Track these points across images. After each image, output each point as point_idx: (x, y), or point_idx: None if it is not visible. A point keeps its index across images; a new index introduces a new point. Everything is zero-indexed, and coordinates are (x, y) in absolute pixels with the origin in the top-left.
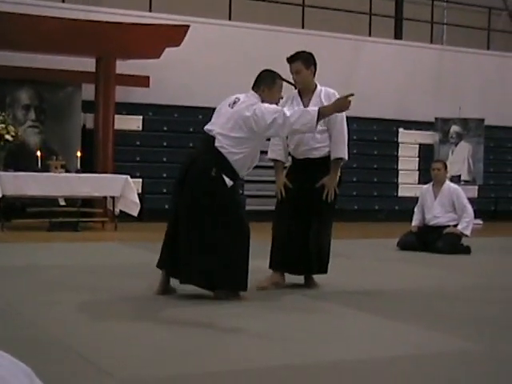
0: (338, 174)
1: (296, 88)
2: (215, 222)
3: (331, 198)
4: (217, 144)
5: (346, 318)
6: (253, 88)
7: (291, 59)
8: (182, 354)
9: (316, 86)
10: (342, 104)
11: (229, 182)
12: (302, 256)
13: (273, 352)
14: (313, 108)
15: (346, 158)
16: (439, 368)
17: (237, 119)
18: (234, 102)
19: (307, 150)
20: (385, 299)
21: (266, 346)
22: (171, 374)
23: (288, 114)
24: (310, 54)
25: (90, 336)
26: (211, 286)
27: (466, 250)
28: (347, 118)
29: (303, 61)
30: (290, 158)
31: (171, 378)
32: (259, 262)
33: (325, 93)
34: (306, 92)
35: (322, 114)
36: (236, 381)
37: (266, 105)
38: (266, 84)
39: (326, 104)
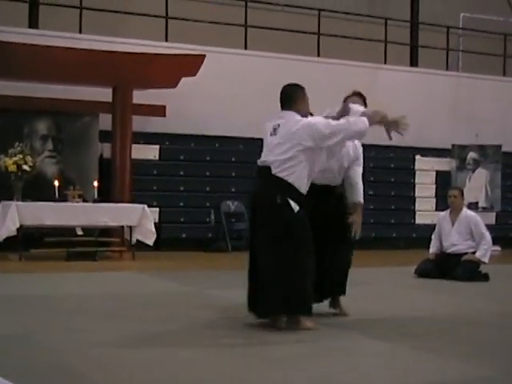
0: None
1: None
2: (287, 248)
3: (356, 235)
4: (274, 171)
5: (360, 347)
6: (285, 107)
7: (358, 94)
8: None
9: None
10: (392, 124)
11: (295, 206)
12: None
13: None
14: (362, 118)
15: (362, 202)
16: None
17: (286, 140)
18: (275, 129)
19: (331, 178)
20: (401, 327)
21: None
22: None
23: (342, 122)
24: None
25: (109, 364)
26: (286, 311)
27: (485, 277)
28: (363, 145)
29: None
30: None
31: None
32: None
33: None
34: None
35: (370, 122)
36: None
37: (317, 118)
38: (299, 97)
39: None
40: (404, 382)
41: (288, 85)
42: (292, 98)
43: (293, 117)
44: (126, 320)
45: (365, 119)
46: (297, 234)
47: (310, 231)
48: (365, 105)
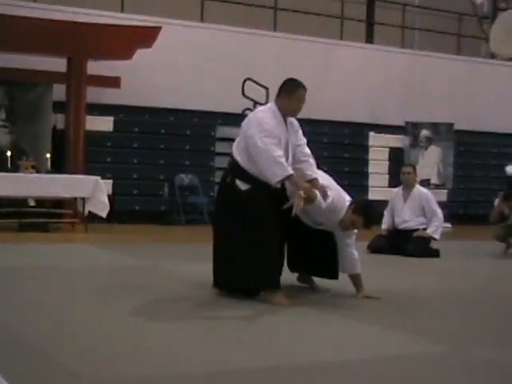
0: None
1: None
2: (237, 225)
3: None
4: (232, 152)
5: (318, 323)
6: (275, 98)
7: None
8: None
9: None
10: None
11: (243, 185)
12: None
13: (243, 354)
14: (290, 170)
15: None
16: (400, 370)
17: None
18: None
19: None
20: (357, 302)
21: (238, 348)
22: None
23: (276, 149)
24: None
25: (63, 338)
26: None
27: (435, 253)
28: (318, 121)
29: None
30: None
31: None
32: None
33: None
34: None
35: (291, 181)
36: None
37: (267, 125)
38: (287, 91)
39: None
40: (363, 356)
41: (291, 78)
42: (280, 90)
43: (262, 108)
44: (86, 293)
45: (289, 173)
46: (244, 210)
47: (268, 209)
48: None
